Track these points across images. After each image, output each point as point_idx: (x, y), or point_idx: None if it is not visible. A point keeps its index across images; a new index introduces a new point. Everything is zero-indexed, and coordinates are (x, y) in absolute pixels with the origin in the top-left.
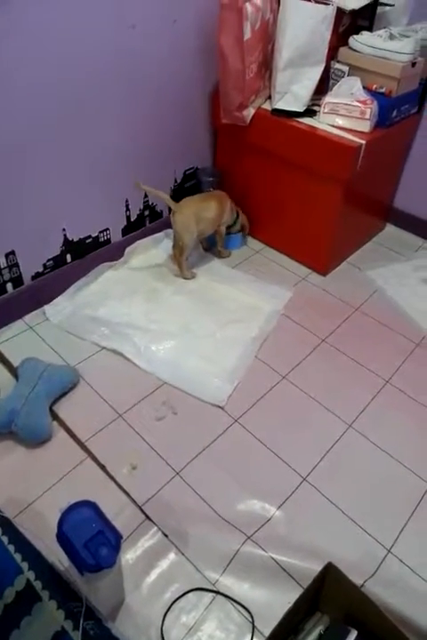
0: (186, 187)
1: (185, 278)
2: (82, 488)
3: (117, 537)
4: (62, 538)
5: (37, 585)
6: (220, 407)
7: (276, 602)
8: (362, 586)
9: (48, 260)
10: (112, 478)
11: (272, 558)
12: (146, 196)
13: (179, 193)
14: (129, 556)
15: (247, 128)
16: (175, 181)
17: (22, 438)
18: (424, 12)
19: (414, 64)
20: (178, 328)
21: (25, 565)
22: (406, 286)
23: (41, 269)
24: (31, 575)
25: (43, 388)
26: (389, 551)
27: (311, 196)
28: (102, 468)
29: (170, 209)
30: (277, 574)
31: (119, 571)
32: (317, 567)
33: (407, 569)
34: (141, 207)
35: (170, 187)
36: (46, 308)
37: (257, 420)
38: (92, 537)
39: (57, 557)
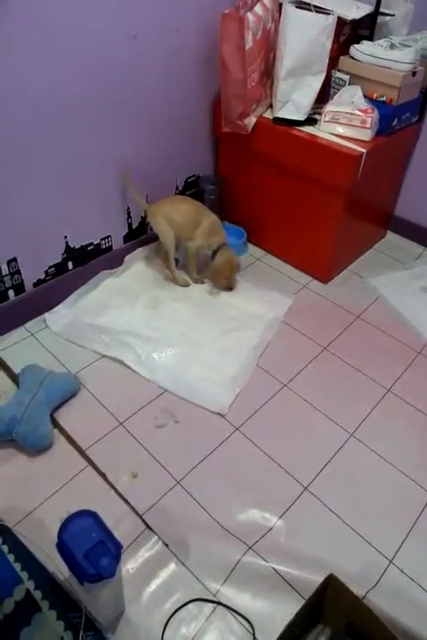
0: (187, 194)
1: (178, 284)
2: (82, 496)
3: (118, 547)
4: (62, 547)
5: (37, 595)
6: (221, 415)
7: (277, 613)
8: (364, 597)
9: (50, 267)
10: (112, 487)
11: (273, 569)
12: None
13: None
14: (129, 565)
15: (249, 136)
16: (177, 189)
17: (23, 446)
18: (424, 22)
19: (414, 73)
20: (179, 336)
21: (25, 575)
22: (408, 294)
23: (43, 276)
24: (31, 585)
25: (43, 395)
26: (391, 562)
27: (313, 204)
28: (103, 476)
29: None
30: (278, 585)
31: (119, 581)
32: (318, 578)
33: (410, 580)
34: (143, 214)
35: (171, 194)
36: (46, 315)
37: (258, 429)
38: (92, 547)
39: (57, 567)
